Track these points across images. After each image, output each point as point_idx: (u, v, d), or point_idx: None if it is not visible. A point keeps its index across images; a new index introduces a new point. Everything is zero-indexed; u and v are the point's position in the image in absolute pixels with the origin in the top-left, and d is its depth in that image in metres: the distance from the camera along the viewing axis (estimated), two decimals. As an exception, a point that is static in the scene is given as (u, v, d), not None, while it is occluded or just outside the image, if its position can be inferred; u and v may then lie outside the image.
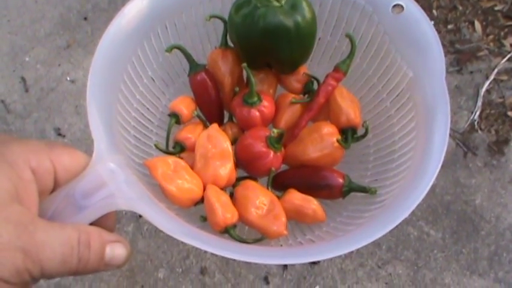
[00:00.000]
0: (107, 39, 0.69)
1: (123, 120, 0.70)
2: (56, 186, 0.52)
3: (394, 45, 0.72)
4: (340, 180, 0.70)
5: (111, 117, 0.66)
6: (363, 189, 0.69)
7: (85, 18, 2.18)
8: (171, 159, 0.67)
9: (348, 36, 0.73)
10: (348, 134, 0.73)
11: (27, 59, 2.08)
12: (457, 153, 1.85)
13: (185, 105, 0.75)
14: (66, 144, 0.53)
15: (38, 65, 2.06)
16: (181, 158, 0.71)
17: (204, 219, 0.67)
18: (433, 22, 2.20)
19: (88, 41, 2.12)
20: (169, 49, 0.74)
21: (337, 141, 0.71)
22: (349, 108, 0.73)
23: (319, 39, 0.80)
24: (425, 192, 0.58)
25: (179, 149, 0.74)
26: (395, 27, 0.72)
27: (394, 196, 0.64)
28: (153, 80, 0.78)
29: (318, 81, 0.78)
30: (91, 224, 0.52)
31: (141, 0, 0.72)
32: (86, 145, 1.86)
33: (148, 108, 0.78)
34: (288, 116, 0.76)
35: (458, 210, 1.76)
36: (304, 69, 0.78)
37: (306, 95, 0.79)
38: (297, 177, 0.73)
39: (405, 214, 0.57)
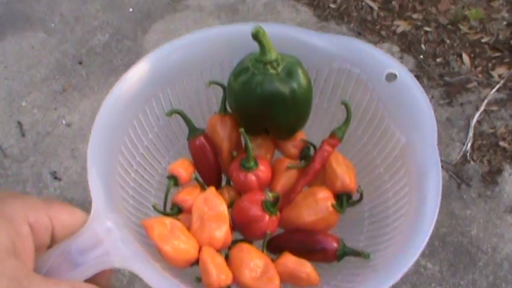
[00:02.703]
0: (110, 103, 0.76)
1: (123, 181, 0.77)
2: (53, 242, 0.56)
3: (388, 112, 0.79)
4: (335, 245, 0.76)
5: (110, 177, 0.72)
6: (357, 254, 0.75)
7: (80, 63, 2.29)
8: (168, 220, 0.73)
9: (344, 103, 0.81)
10: (343, 199, 0.79)
11: (23, 103, 2.18)
12: (451, 185, 1.91)
13: (184, 168, 0.82)
14: (64, 202, 0.59)
15: (34, 109, 2.16)
16: (179, 220, 0.76)
17: (199, 280, 0.71)
18: (422, 56, 2.29)
19: (83, 85, 2.22)
20: (170, 113, 0.81)
21: (332, 206, 0.77)
22: (344, 173, 0.80)
23: (316, 105, 0.87)
24: (416, 257, 0.64)
25: (177, 210, 0.80)
26: (389, 95, 0.79)
27: (386, 260, 0.70)
28: (154, 142, 0.86)
29: (314, 147, 0.85)
30: (86, 280, 0.56)
31: (143, 66, 0.81)
32: (82, 188, 1.93)
33: (147, 170, 0.84)
34: (284, 180, 0.82)
35: (454, 242, 1.81)
36: (301, 135, 0.85)
37: (302, 160, 0.85)
38: (292, 240, 0.78)
39: (396, 278, 0.62)
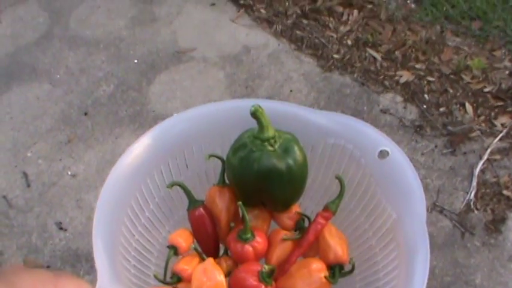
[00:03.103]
0: (113, 177, 0.81)
1: (125, 251, 0.81)
2: None
3: (380, 187, 0.84)
4: (327, 315, 0.80)
5: (114, 248, 0.77)
6: (349, 325, 0.80)
7: (85, 114, 2.34)
8: (168, 290, 0.78)
9: (338, 178, 0.85)
10: (336, 270, 0.83)
11: (29, 154, 2.22)
12: (455, 234, 1.93)
13: (183, 238, 0.86)
14: (72, 274, 0.63)
15: (39, 160, 2.20)
16: (178, 289, 0.81)
17: None
18: (425, 106, 2.34)
19: (88, 136, 2.26)
20: (170, 185, 0.86)
21: (325, 277, 0.81)
22: (337, 245, 0.84)
23: (311, 178, 0.92)
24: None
25: (176, 279, 0.84)
26: (380, 171, 0.84)
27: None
28: (154, 213, 0.91)
29: (309, 219, 0.89)
30: None
31: (146, 139, 0.86)
32: (87, 238, 1.95)
33: (148, 240, 0.89)
34: (279, 251, 0.86)
35: (459, 291, 1.82)
36: (296, 207, 0.90)
37: (297, 232, 0.89)
38: (287, 310, 0.83)
39: None
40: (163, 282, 0.84)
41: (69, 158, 2.20)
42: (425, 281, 0.71)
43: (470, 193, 2.10)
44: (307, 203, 0.94)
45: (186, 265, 0.85)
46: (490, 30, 2.67)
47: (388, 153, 0.83)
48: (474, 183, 2.12)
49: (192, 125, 0.90)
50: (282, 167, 0.81)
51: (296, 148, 0.83)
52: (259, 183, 0.83)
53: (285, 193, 0.85)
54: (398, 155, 0.83)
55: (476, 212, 2.04)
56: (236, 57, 2.55)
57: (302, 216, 0.90)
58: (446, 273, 1.86)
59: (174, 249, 0.86)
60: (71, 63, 2.54)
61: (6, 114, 2.35)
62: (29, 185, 2.13)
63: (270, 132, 0.82)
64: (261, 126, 0.81)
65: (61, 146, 2.24)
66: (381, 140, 0.84)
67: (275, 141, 0.82)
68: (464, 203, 2.06)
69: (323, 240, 0.86)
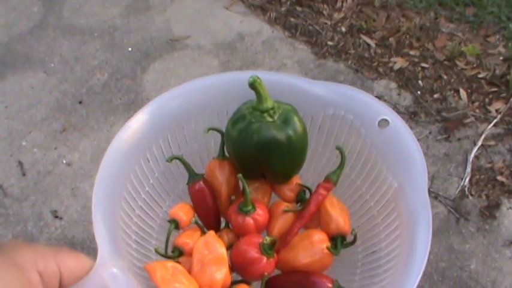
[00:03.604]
0: (112, 151, 0.80)
1: (126, 226, 0.80)
2: None
3: (381, 157, 0.83)
4: (329, 285, 0.78)
5: (114, 223, 0.76)
6: (351, 294, 0.79)
7: (80, 102, 2.33)
8: (170, 264, 0.76)
9: (338, 148, 0.85)
10: (338, 241, 0.83)
11: (24, 143, 2.21)
12: (450, 220, 1.94)
13: (184, 212, 0.86)
14: (71, 249, 0.62)
15: (34, 148, 2.19)
16: (180, 263, 0.79)
17: None
18: (419, 92, 2.34)
19: (83, 124, 2.26)
20: (170, 159, 0.85)
21: (327, 248, 0.80)
22: (338, 216, 0.84)
23: (311, 150, 0.91)
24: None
25: (178, 253, 0.83)
26: (381, 141, 0.83)
27: (379, 300, 0.74)
28: (155, 187, 0.90)
29: (309, 190, 0.89)
30: None
31: (144, 114, 0.85)
32: (82, 226, 1.96)
33: (149, 214, 0.88)
34: (281, 223, 0.86)
35: (453, 276, 1.83)
36: (297, 179, 0.90)
37: (299, 204, 0.89)
38: (289, 281, 0.82)
39: None
40: (165, 256, 0.84)
41: (64, 147, 2.20)
42: (428, 249, 0.70)
43: (465, 179, 2.10)
44: (308, 175, 0.93)
45: (188, 239, 0.84)
46: (484, 16, 2.68)
47: (388, 122, 0.83)
48: (468, 169, 2.13)
49: (189, 98, 0.89)
50: (281, 137, 0.80)
51: (295, 119, 0.82)
52: (259, 154, 0.82)
53: (285, 164, 0.84)
54: (398, 124, 0.82)
55: (470, 197, 2.04)
56: (230, 45, 2.55)
57: (303, 188, 0.90)
58: (441, 259, 1.87)
59: (175, 223, 0.85)
60: (65, 52, 2.54)
61: (0, 103, 2.35)
62: (24, 174, 2.13)
63: (268, 103, 0.81)
64: (260, 97, 0.80)
65: (56, 134, 2.24)
66: (381, 109, 0.84)
67: (274, 112, 0.81)
68: (458, 189, 2.07)
69: (324, 211, 0.85)
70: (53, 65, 2.49)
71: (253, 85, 0.79)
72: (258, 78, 0.79)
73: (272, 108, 0.81)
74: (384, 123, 0.83)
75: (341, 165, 0.86)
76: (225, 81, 0.90)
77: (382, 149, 0.84)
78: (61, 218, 2.01)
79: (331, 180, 0.85)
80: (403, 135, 0.81)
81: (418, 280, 0.68)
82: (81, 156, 2.17)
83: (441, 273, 1.84)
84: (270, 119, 0.81)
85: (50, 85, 2.41)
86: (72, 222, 2.00)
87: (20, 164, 2.16)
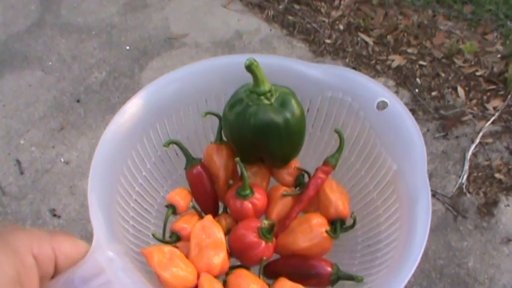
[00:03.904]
0: (109, 135, 0.79)
1: (122, 211, 0.79)
2: (57, 272, 0.58)
3: (380, 139, 0.82)
4: (329, 269, 0.78)
5: (110, 207, 0.75)
6: (350, 278, 0.77)
7: (78, 101, 2.33)
8: (167, 248, 0.75)
9: (337, 131, 0.84)
10: (337, 224, 0.82)
11: (22, 141, 2.21)
12: (447, 217, 1.93)
13: (182, 197, 0.85)
14: (67, 233, 0.62)
15: (32, 147, 2.19)
16: (177, 247, 0.78)
17: None
18: (417, 90, 2.34)
19: (81, 123, 2.25)
20: (167, 144, 0.84)
21: (326, 232, 0.80)
22: (338, 200, 0.83)
23: (310, 133, 0.90)
24: (407, 280, 0.67)
25: (175, 238, 0.82)
26: (380, 123, 0.82)
27: (378, 284, 0.72)
28: (152, 172, 0.89)
29: (308, 174, 0.88)
30: None
31: (140, 98, 0.84)
32: (81, 225, 1.95)
33: (146, 200, 0.87)
34: (279, 207, 0.85)
35: (451, 273, 1.82)
36: (295, 163, 0.88)
37: (297, 188, 0.88)
38: (288, 266, 0.81)
39: None
40: (162, 241, 0.83)
41: (62, 145, 2.19)
42: (427, 232, 0.69)
43: (463, 176, 2.10)
44: (307, 160, 0.92)
45: (185, 224, 0.83)
46: (482, 14, 2.68)
47: (387, 104, 0.82)
48: (466, 167, 2.12)
49: (186, 82, 0.88)
50: (279, 120, 0.79)
51: (293, 101, 0.81)
52: (256, 138, 0.81)
53: (283, 148, 0.83)
54: (397, 106, 0.81)
55: (468, 195, 2.04)
56: (228, 43, 2.54)
57: (302, 172, 0.88)
58: (439, 256, 1.87)
59: (172, 208, 0.85)
60: (63, 51, 2.53)
61: (-2, 102, 2.34)
62: (22, 173, 2.12)
63: (265, 86, 0.80)
64: (257, 80, 0.79)
65: (54, 133, 2.23)
66: (380, 91, 0.83)
67: (271, 95, 0.80)
68: (456, 187, 2.07)
69: (323, 195, 0.84)
70: (50, 63, 2.49)
71: (250, 68, 0.78)
72: (255, 61, 0.78)
73: (269, 91, 0.80)
74: (382, 105, 0.82)
75: (340, 149, 0.85)
76: (222, 64, 0.89)
77: (381, 131, 0.83)
78: (59, 217, 2.01)
79: (330, 164, 0.84)
80: (402, 117, 0.81)
81: (417, 262, 0.67)
82: (79, 154, 2.17)
83: (439, 270, 1.84)
84: (267, 102, 0.80)
85: (47, 83, 2.40)
86: (70, 220, 1.99)
87: (18, 162, 2.15)
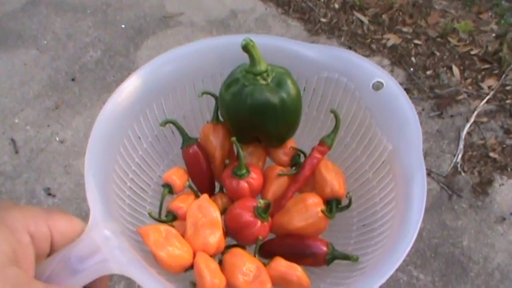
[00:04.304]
0: (105, 114, 0.79)
1: (119, 190, 0.79)
2: (53, 250, 0.58)
3: (375, 119, 0.82)
4: (324, 249, 0.78)
5: (107, 186, 0.75)
6: (346, 257, 0.78)
7: (73, 79, 2.32)
8: (163, 227, 0.75)
9: (333, 112, 0.84)
10: (333, 204, 0.82)
11: (16, 120, 2.20)
12: (442, 197, 1.94)
13: (178, 176, 0.85)
14: (63, 211, 0.62)
15: (27, 126, 2.18)
16: (173, 227, 0.78)
17: (194, 285, 0.74)
18: (412, 69, 2.34)
19: (76, 102, 2.24)
20: (164, 123, 0.84)
21: (322, 211, 0.80)
22: (333, 180, 0.83)
23: (306, 114, 0.90)
24: (402, 258, 0.67)
25: (171, 217, 0.82)
26: (375, 103, 0.82)
27: (374, 263, 0.73)
28: (148, 152, 0.89)
29: (304, 154, 0.88)
30: (85, 286, 0.59)
31: (137, 77, 0.84)
32: (76, 204, 1.95)
33: (143, 179, 0.87)
34: (275, 187, 0.85)
35: (446, 252, 1.83)
36: (291, 143, 0.88)
37: (293, 167, 0.88)
38: (283, 245, 0.81)
39: (382, 280, 0.65)
40: (159, 220, 0.83)
41: (57, 124, 2.18)
42: (423, 209, 0.70)
43: (458, 156, 2.11)
44: (303, 140, 0.92)
45: (181, 203, 0.83)
46: (477, -7, 2.66)
47: (382, 84, 0.82)
48: (461, 146, 2.13)
49: (183, 62, 0.87)
50: (275, 100, 0.79)
51: (289, 81, 0.81)
52: (252, 118, 0.81)
53: (279, 127, 0.83)
54: (393, 86, 0.81)
55: (463, 174, 2.05)
56: (223, 22, 2.53)
57: (298, 152, 0.89)
58: (434, 236, 1.87)
59: (168, 188, 0.85)
60: (58, 29, 2.52)
61: (-8, 80, 2.33)
62: (17, 152, 2.12)
63: (262, 66, 0.80)
64: (253, 60, 0.79)
65: (49, 112, 2.23)
66: (375, 72, 0.83)
67: (267, 75, 0.80)
68: (451, 166, 2.07)
69: (319, 174, 0.84)
70: (45, 42, 2.47)
71: (246, 48, 0.78)
72: (251, 41, 0.77)
73: (265, 71, 0.80)
74: (378, 85, 0.82)
75: (335, 129, 0.85)
76: (218, 44, 0.88)
77: (376, 112, 0.83)
78: (54, 196, 2.01)
79: (325, 144, 0.85)
80: (398, 97, 0.81)
81: (412, 241, 0.68)
82: (74, 133, 2.16)
83: (434, 249, 1.85)
84: (263, 82, 0.80)
85: (42, 62, 2.39)
86: (65, 199, 1.99)
87: (13, 141, 2.15)
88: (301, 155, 0.89)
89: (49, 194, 2.01)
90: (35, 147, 2.13)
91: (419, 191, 0.72)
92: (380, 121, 0.82)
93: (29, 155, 2.11)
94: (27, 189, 2.02)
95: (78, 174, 2.03)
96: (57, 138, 2.15)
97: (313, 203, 0.81)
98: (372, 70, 0.83)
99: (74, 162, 2.09)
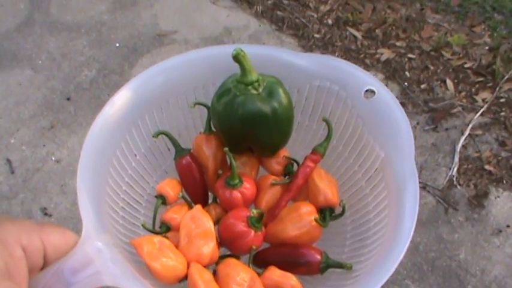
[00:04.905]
0: (97, 126, 0.79)
1: (112, 202, 0.79)
2: (46, 263, 0.58)
3: (367, 127, 0.82)
4: (318, 257, 0.78)
5: (100, 198, 0.75)
6: (340, 265, 0.77)
7: (68, 99, 2.32)
8: (157, 239, 0.75)
9: (325, 120, 0.84)
10: (326, 213, 0.82)
11: (12, 140, 2.20)
12: (438, 210, 1.94)
13: (171, 187, 0.85)
14: (56, 224, 0.61)
15: (23, 146, 2.18)
16: (167, 238, 0.78)
17: None
18: (406, 83, 2.34)
19: (71, 121, 2.24)
20: (156, 135, 0.84)
21: (315, 220, 0.80)
22: (326, 188, 0.83)
23: (298, 123, 0.91)
24: (395, 266, 0.67)
25: (165, 228, 0.82)
26: (367, 111, 0.82)
27: (367, 271, 0.73)
28: (141, 163, 0.89)
29: (297, 163, 0.88)
30: None
31: (129, 89, 0.84)
32: (72, 223, 1.95)
33: (136, 190, 0.87)
34: (268, 196, 0.85)
35: (443, 266, 1.83)
36: (284, 152, 0.88)
37: (286, 177, 0.88)
38: (277, 254, 0.81)
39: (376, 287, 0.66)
40: (152, 231, 0.83)
41: (53, 144, 2.18)
42: (415, 217, 0.70)
43: (453, 169, 2.11)
44: (296, 148, 0.92)
45: (175, 214, 0.83)
46: (469, 7, 2.68)
47: (374, 92, 0.82)
48: (456, 159, 2.13)
49: (174, 73, 0.88)
50: (267, 110, 0.79)
51: (280, 91, 0.81)
52: (244, 128, 0.81)
53: (272, 137, 0.83)
54: (384, 94, 0.81)
55: (459, 187, 2.05)
56: (217, 39, 2.54)
57: (290, 161, 0.89)
58: (431, 249, 1.87)
59: (162, 199, 0.85)
60: (53, 49, 2.52)
61: (-12, 101, 2.33)
62: (13, 172, 2.12)
63: (253, 76, 0.80)
64: (244, 70, 0.79)
65: (44, 131, 2.23)
66: (367, 80, 0.83)
67: (259, 85, 0.80)
68: (447, 179, 2.07)
69: (312, 183, 0.84)
70: (40, 61, 2.48)
71: (237, 58, 0.78)
72: (242, 51, 0.78)
73: (257, 81, 0.80)
74: (369, 93, 0.82)
75: (328, 137, 0.85)
76: (209, 55, 0.89)
77: (368, 120, 0.83)
78: (50, 215, 2.00)
79: (318, 152, 0.85)
80: (389, 104, 0.81)
81: (405, 248, 0.68)
82: (70, 153, 2.16)
83: (431, 263, 1.84)
84: (254, 92, 0.80)
85: (37, 82, 2.39)
86: (61, 219, 1.99)
87: (9, 161, 2.15)
88: (294, 164, 0.89)
89: (45, 214, 2.00)
90: (30, 167, 2.13)
91: (411, 198, 0.72)
92: (372, 129, 0.82)
93: (25, 175, 2.11)
94: (23, 209, 2.01)
95: (75, 193, 2.00)
96: (53, 158, 2.15)
97: (307, 212, 0.81)
98: (363, 78, 0.84)
99: (70, 181, 2.08)
